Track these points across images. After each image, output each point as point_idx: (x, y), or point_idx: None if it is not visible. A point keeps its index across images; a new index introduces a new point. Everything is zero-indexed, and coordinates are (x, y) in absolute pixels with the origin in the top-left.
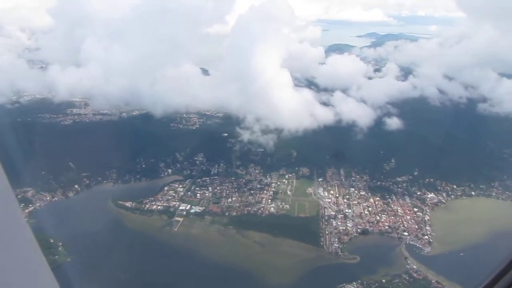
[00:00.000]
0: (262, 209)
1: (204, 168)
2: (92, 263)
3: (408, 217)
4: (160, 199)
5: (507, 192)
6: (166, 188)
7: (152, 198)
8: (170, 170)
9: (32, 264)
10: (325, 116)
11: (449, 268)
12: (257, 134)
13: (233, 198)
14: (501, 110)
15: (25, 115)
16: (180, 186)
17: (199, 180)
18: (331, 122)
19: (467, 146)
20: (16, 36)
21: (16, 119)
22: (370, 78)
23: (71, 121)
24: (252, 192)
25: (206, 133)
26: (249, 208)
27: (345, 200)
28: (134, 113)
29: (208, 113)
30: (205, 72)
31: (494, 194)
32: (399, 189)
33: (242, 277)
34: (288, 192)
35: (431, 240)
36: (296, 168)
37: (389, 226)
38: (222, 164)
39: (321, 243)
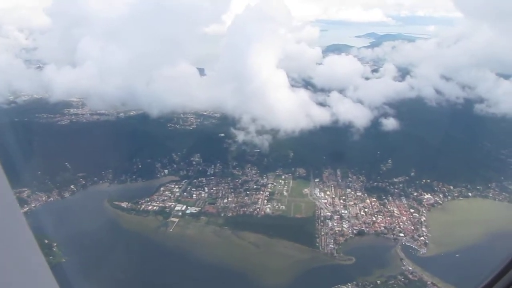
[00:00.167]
0: (258, 209)
1: (201, 168)
2: (86, 264)
3: (404, 218)
4: (156, 199)
5: (504, 193)
6: (162, 188)
7: (148, 199)
8: (166, 171)
9: (32, 265)
10: (322, 116)
11: (445, 269)
12: (254, 135)
13: (229, 199)
14: (498, 111)
15: (22, 115)
16: (176, 186)
17: (195, 180)
18: (327, 123)
19: (464, 147)
20: (14, 36)
21: (12, 119)
22: (367, 78)
23: (68, 121)
24: (248, 192)
25: (203, 134)
26: (245, 209)
27: (341, 201)
28: (131, 113)
29: (205, 113)
30: (202, 72)
31: (491, 195)
32: (395, 190)
33: (236, 278)
34: (284, 192)
35: (427, 241)
36: (293, 169)
37: (385, 227)
38: (218, 165)
39: (317, 244)
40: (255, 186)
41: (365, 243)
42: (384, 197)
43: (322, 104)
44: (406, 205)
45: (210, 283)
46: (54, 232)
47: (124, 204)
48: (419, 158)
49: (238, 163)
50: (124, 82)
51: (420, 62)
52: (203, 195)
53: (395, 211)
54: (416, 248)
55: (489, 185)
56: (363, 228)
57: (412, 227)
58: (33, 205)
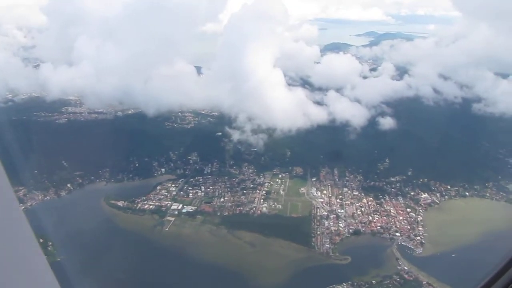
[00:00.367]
0: (254, 209)
1: (198, 167)
2: (82, 263)
3: (401, 218)
4: (153, 198)
5: (501, 193)
6: (158, 187)
7: (145, 198)
8: (163, 169)
9: (33, 263)
10: (319, 115)
11: (441, 269)
12: (251, 134)
13: (226, 198)
14: (496, 110)
15: (20, 114)
16: (173, 185)
17: (192, 179)
18: (325, 122)
19: (462, 146)
20: (12, 34)
21: (10, 118)
22: (365, 77)
23: (66, 119)
24: (244, 191)
25: (200, 132)
26: (241, 208)
27: (338, 200)
28: (130, 112)
29: (203, 112)
30: (200, 70)
31: (488, 195)
32: (392, 189)
33: (231, 278)
34: (281, 192)
35: (423, 241)
36: (290, 168)
37: (381, 227)
38: (215, 164)
39: (313, 243)
40: (251, 185)
41: (361, 242)
42: (381, 196)
43: (319, 103)
44: (403, 204)
45: (205, 282)
46: (50, 231)
47: (120, 203)
48: (416, 157)
49: (235, 162)
50: (121, 81)
51: (419, 61)
52: (199, 194)
53: (391, 211)
54: (412, 247)
55: (487, 184)
56: (359, 228)
57: (409, 227)
58: (29, 204)
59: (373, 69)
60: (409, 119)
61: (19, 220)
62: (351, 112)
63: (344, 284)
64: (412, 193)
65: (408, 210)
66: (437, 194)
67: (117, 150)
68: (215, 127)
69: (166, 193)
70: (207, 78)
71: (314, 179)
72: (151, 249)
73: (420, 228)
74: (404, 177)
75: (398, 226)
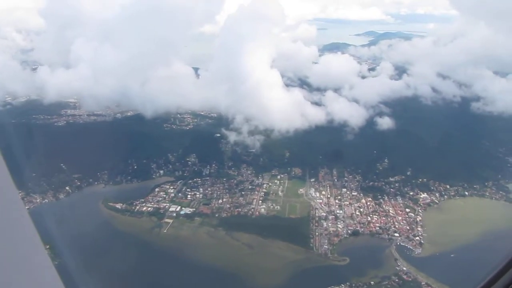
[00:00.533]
0: (252, 210)
1: (196, 169)
2: (79, 266)
3: (400, 218)
4: (151, 200)
5: (500, 192)
6: (157, 189)
7: (143, 200)
8: (161, 171)
9: (37, 264)
10: (317, 116)
11: (440, 269)
12: (249, 135)
13: (224, 199)
14: (495, 109)
15: (19, 117)
16: (171, 187)
17: (190, 181)
18: (323, 122)
19: (461, 146)
20: (11, 37)
21: (9, 121)
22: (363, 77)
23: (65, 122)
24: (243, 193)
25: (199, 134)
26: (240, 209)
27: (336, 201)
28: (128, 114)
29: (202, 113)
30: (198, 72)
31: (487, 194)
32: (391, 190)
33: (229, 279)
34: (280, 193)
35: (422, 241)
36: (288, 169)
37: (380, 227)
38: (214, 165)
39: (311, 244)
40: (250, 187)
41: (360, 243)
42: (380, 196)
43: (317, 104)
44: (402, 204)
45: (203, 284)
46: (47, 234)
47: (118, 205)
48: (415, 157)
49: (233, 164)
50: (119, 83)
51: (417, 60)
52: (198, 195)
53: (390, 211)
54: (411, 248)
55: (486, 184)
56: (358, 228)
57: (408, 227)
58: (27, 207)
59: (371, 69)
60: (408, 118)
61: (24, 221)
62: (349, 112)
63: (342, 285)
64: (411, 193)
65: (407, 210)
66: (436, 194)
67: (115, 152)
68: (213, 128)
69: (165, 195)
70: (205, 79)
71: (313, 179)
72: (149, 251)
73: (419, 228)
74: (403, 177)
75: (397, 226)
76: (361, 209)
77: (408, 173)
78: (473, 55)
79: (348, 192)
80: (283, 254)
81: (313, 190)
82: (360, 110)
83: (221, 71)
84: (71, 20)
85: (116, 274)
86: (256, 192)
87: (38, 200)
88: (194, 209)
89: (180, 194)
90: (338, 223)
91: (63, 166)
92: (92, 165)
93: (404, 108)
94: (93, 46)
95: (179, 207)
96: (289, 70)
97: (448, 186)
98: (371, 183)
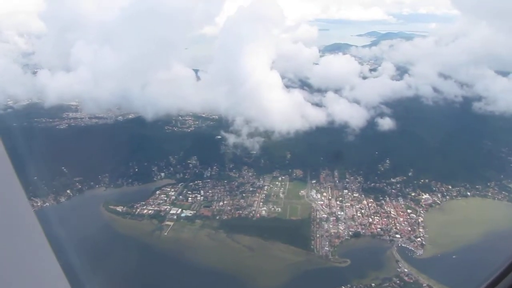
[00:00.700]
0: (253, 212)
1: (197, 171)
2: (79, 269)
3: (401, 219)
4: (152, 203)
5: (503, 192)
6: (158, 192)
7: (144, 202)
8: (162, 174)
9: (44, 265)
10: (318, 117)
11: (442, 271)
12: (250, 136)
13: (225, 202)
14: (496, 109)
15: (20, 120)
16: (172, 190)
17: (191, 183)
18: (324, 123)
19: (463, 146)
20: (13, 41)
21: (10, 124)
22: (364, 77)
23: (67, 125)
24: (244, 195)
25: (200, 136)
26: (241, 212)
27: (337, 202)
28: (130, 116)
29: (203, 115)
30: (198, 73)
31: (490, 194)
32: (393, 190)
33: (229, 282)
34: (281, 194)
35: (424, 242)
36: (289, 170)
37: (382, 229)
38: (215, 167)
39: (312, 246)
40: (251, 189)
41: (361, 245)
42: (381, 197)
43: (318, 105)
44: (403, 205)
45: (203, 287)
46: (48, 237)
47: (119, 208)
48: (417, 157)
49: (234, 166)
50: (120, 86)
51: (419, 60)
52: (198, 198)
53: (392, 212)
54: (413, 249)
55: (488, 184)
56: (359, 230)
57: (409, 228)
58: None
59: (373, 69)
60: (409, 119)
61: (30, 221)
62: (350, 113)
63: (343, 287)
64: (412, 194)
65: (409, 211)
66: (438, 195)
67: (116, 155)
68: (214, 130)
69: (165, 198)
70: (205, 81)
71: (314, 181)
72: (150, 254)
73: (420, 229)
74: (405, 177)
75: (398, 227)
76: (363, 211)
77: (410, 174)
78: (474, 54)
79: (349, 193)
80: (284, 256)
81: (314, 191)
82: (361, 111)
83: (221, 72)
84: (72, 23)
85: (117, 277)
86: (257, 194)
87: (39, 203)
88: (195, 212)
89: (181, 197)
90: (339, 224)
91: (64, 169)
92: (93, 168)
93: (405, 108)
94: (94, 49)
95: (180, 209)
96: (290, 71)
97: (450, 187)
98: (372, 184)
